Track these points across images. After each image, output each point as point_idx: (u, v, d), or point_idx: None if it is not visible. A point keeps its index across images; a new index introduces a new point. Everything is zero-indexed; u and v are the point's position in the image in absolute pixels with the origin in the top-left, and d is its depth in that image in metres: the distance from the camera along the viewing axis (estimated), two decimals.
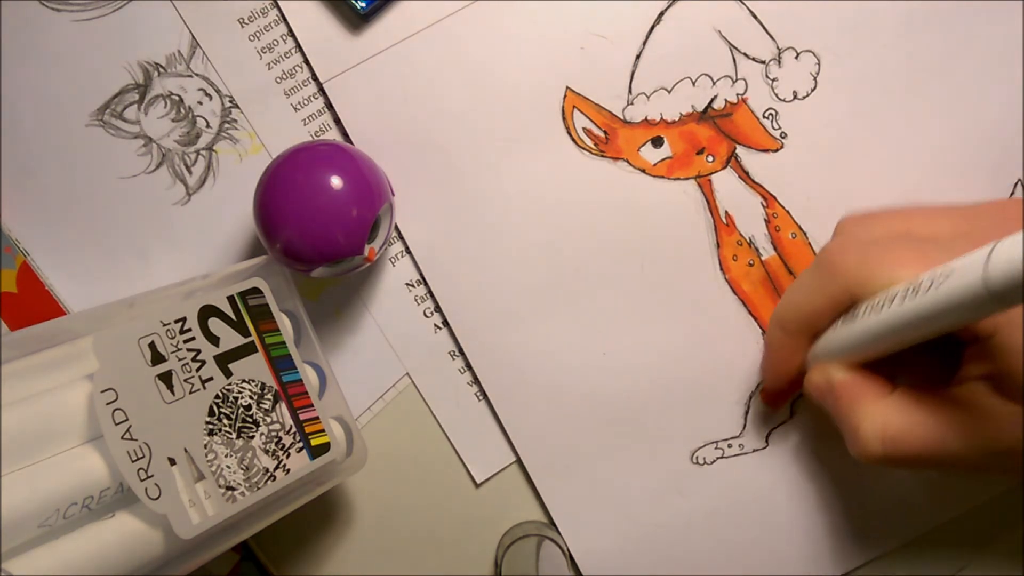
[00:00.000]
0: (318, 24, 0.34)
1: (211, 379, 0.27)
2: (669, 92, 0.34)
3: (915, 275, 0.25)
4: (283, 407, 0.29)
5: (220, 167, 0.35)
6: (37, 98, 0.34)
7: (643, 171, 0.34)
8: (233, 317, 0.28)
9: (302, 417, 0.29)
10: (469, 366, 0.35)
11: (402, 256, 0.35)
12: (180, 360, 0.27)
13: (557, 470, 0.35)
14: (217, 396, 0.27)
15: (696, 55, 0.33)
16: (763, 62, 0.33)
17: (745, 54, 0.33)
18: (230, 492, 0.26)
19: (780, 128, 0.34)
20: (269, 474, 0.27)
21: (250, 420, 0.27)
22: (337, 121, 0.35)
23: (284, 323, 0.30)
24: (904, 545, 0.35)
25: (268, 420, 0.28)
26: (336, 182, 0.29)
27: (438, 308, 0.35)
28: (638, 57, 0.33)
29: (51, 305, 0.34)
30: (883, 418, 0.26)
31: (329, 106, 0.34)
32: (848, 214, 0.30)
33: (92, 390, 0.25)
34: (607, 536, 0.35)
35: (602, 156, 0.34)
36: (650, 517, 0.35)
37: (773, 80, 0.33)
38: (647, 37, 0.33)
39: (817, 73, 0.33)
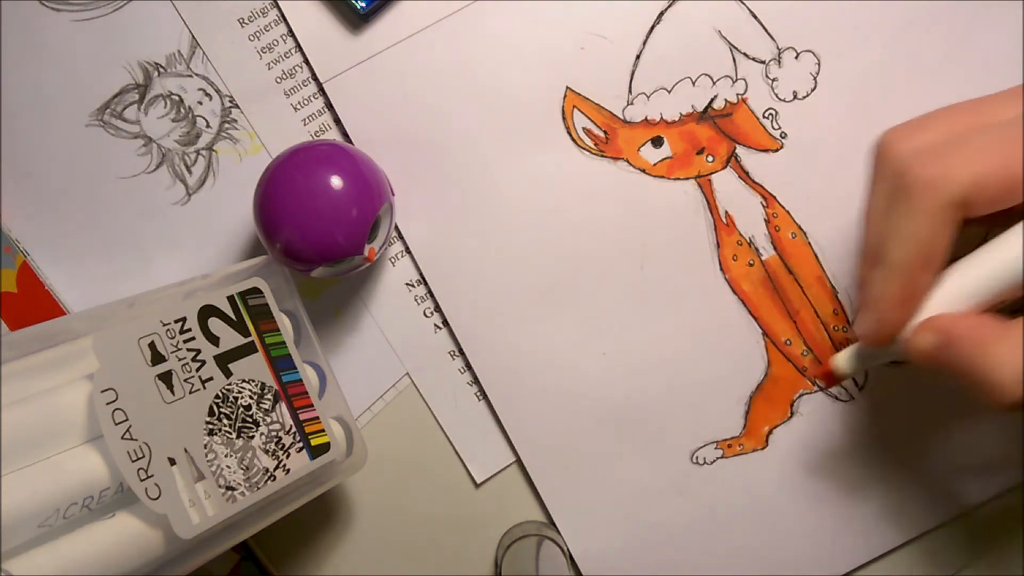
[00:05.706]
0: (318, 24, 0.34)
1: (211, 379, 0.27)
2: (669, 92, 0.34)
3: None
4: (283, 407, 0.29)
5: (220, 167, 0.35)
6: (37, 98, 0.34)
7: (643, 171, 0.34)
8: (233, 317, 0.28)
9: (302, 417, 0.29)
10: (469, 366, 0.35)
11: (402, 256, 0.35)
12: (180, 360, 0.27)
13: (557, 470, 0.35)
14: (217, 396, 0.27)
15: (696, 55, 0.33)
16: (763, 62, 0.33)
17: (745, 54, 0.33)
18: (230, 492, 0.26)
19: (780, 128, 0.34)
20: (269, 474, 0.27)
21: (250, 420, 0.27)
22: (337, 121, 0.34)
23: (284, 323, 0.30)
24: (904, 545, 0.35)
25: (268, 420, 0.28)
26: (336, 182, 0.29)
27: (438, 308, 0.35)
28: (638, 57, 0.33)
29: (51, 305, 0.34)
30: (1016, 356, 0.23)
31: (329, 106, 0.34)
32: (886, 133, 0.26)
33: (92, 390, 0.25)
34: (607, 536, 0.35)
35: (602, 156, 0.34)
36: (650, 517, 0.35)
37: (773, 80, 0.33)
38: (647, 37, 0.33)
39: (817, 73, 0.33)
